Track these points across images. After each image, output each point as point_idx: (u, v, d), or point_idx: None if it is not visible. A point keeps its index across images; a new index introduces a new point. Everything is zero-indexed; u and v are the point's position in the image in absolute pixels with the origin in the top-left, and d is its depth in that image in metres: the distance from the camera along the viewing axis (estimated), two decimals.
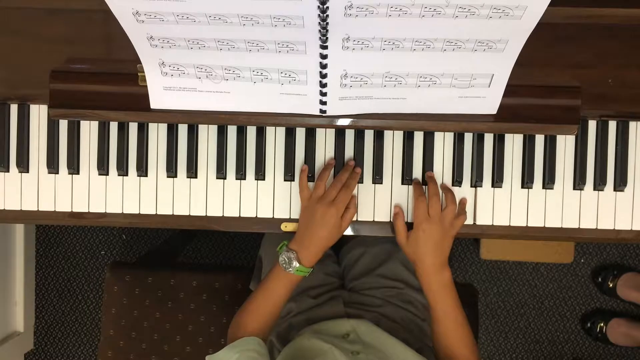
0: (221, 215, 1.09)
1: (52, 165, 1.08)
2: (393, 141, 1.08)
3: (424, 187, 1.07)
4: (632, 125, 1.08)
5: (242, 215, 1.09)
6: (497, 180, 1.07)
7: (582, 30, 0.98)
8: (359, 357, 0.96)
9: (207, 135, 1.08)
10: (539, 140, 1.08)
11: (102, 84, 0.99)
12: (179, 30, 0.85)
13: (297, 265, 0.99)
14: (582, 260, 2.00)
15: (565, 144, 1.08)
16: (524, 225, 1.08)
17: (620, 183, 1.08)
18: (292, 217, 1.09)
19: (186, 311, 1.40)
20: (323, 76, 0.90)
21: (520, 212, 1.08)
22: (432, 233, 1.01)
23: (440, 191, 1.06)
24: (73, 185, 1.09)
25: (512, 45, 0.86)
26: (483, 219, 1.08)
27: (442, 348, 1.03)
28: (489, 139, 1.08)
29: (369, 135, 1.08)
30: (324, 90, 0.92)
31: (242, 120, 0.99)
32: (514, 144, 1.08)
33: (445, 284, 1.02)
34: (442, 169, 1.08)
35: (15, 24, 1.01)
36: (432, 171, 1.07)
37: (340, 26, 0.81)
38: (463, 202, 1.07)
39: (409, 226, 1.05)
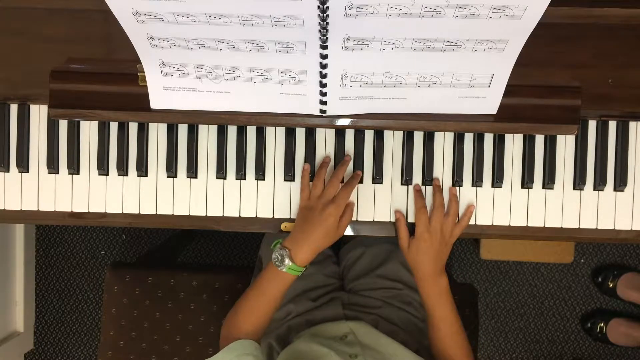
0: (221, 215, 1.09)
1: (52, 165, 1.08)
2: (393, 141, 1.08)
3: (424, 187, 1.08)
4: (632, 125, 1.08)
5: (242, 215, 1.09)
6: (497, 180, 1.07)
7: (582, 30, 0.98)
8: None
9: (207, 135, 1.08)
10: (539, 140, 1.08)
11: (102, 84, 0.99)
12: (179, 30, 0.85)
13: (290, 263, 0.97)
14: (582, 260, 2.00)
15: (565, 144, 1.08)
16: (524, 225, 1.08)
17: (620, 183, 1.08)
18: (292, 217, 1.08)
19: (186, 311, 1.40)
20: (323, 76, 0.89)
21: (520, 212, 1.08)
22: (433, 243, 1.02)
23: (446, 199, 1.06)
24: (73, 185, 1.09)
25: (512, 45, 0.86)
26: (483, 219, 1.08)
27: (438, 352, 1.04)
28: (489, 139, 1.08)
29: (369, 135, 1.08)
30: (324, 90, 0.92)
31: (242, 120, 0.99)
32: (514, 144, 1.08)
33: (442, 291, 1.03)
34: (442, 169, 1.08)
35: (15, 24, 1.01)
36: (433, 172, 1.07)
37: (340, 26, 0.81)
38: (470, 210, 1.06)
39: (410, 227, 1.06)
